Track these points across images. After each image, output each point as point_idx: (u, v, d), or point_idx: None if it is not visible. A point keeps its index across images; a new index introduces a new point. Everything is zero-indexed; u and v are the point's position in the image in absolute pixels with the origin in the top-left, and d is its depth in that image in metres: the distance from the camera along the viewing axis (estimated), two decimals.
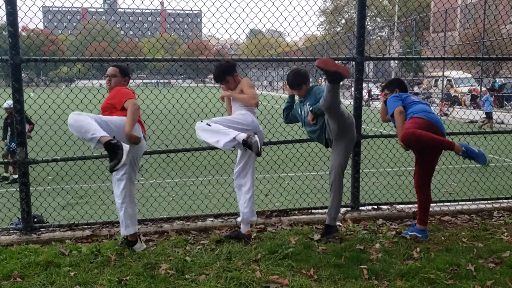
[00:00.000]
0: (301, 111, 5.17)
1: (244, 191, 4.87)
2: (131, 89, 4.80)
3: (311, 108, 4.92)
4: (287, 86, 5.35)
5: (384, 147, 6.94)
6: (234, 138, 4.44)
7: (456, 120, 17.64)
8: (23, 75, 5.25)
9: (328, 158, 7.21)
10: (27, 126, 7.92)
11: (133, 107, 4.31)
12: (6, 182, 9.33)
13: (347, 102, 4.97)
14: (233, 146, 4.55)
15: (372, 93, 28.35)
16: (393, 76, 29.96)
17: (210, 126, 4.52)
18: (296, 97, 5.32)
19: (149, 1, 6.53)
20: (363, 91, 6.10)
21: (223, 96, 5.03)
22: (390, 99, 5.05)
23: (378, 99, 27.38)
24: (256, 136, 4.50)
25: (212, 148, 5.82)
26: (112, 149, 4.02)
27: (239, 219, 4.98)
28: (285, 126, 6.45)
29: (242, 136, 4.44)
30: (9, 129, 9.79)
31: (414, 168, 5.03)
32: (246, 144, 4.43)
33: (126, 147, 4.07)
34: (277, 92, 35.88)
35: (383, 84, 5.47)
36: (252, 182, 4.89)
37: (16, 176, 8.92)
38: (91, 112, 5.60)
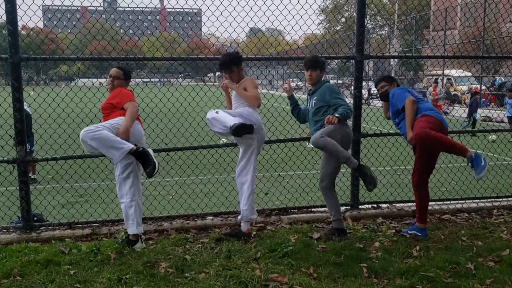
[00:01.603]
0: (307, 104, 5.13)
1: (245, 189, 4.87)
2: (130, 89, 4.87)
3: (338, 115, 4.66)
4: (286, 87, 5.34)
5: (383, 146, 6.94)
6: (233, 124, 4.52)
7: (456, 119, 17.63)
8: (22, 74, 5.24)
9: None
10: None
11: (133, 108, 4.48)
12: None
13: (346, 100, 4.96)
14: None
15: (372, 91, 28.33)
16: (393, 75, 29.95)
17: (218, 113, 4.62)
18: (297, 96, 5.30)
19: None
20: (363, 90, 6.10)
21: (227, 87, 5.00)
22: (398, 91, 4.97)
23: (378, 97, 27.31)
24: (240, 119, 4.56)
25: (212, 146, 5.84)
26: (141, 157, 4.38)
27: (239, 217, 4.99)
28: (284, 125, 6.45)
29: (235, 120, 4.53)
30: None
31: (413, 167, 5.02)
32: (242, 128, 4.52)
33: (150, 151, 4.42)
34: (276, 91, 35.87)
35: (377, 78, 5.38)
36: (253, 180, 4.89)
37: (33, 176, 8.87)
38: (90, 111, 5.64)
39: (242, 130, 4.51)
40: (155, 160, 4.40)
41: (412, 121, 4.75)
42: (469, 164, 4.51)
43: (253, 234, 5.01)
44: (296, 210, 5.89)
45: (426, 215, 5.01)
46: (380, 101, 5.44)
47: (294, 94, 5.40)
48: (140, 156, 4.40)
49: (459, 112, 19.37)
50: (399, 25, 35.32)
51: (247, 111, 4.78)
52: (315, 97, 4.97)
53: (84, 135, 4.27)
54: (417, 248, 4.56)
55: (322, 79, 5.16)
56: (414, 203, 5.58)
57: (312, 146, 4.83)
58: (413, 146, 4.97)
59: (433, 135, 4.48)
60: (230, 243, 4.73)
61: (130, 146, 4.35)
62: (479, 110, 18.98)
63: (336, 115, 4.63)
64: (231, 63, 4.89)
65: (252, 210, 4.93)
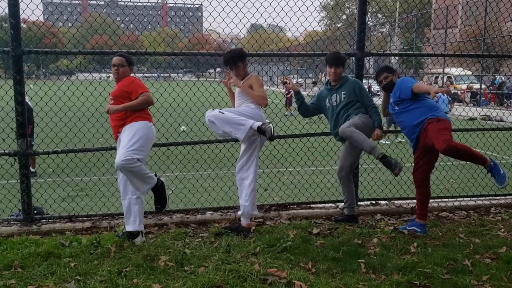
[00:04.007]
0: (330, 100, 5.17)
1: (246, 185, 4.90)
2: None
3: (378, 125, 5.03)
4: (287, 85, 5.37)
5: (383, 143, 6.97)
6: (251, 127, 4.61)
7: (455, 117, 17.63)
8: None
9: (328, 153, 7.25)
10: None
11: (147, 99, 4.57)
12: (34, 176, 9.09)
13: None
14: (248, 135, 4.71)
15: (372, 89, 28.32)
16: None
17: (223, 114, 4.66)
18: (303, 92, 5.34)
19: None
20: None
21: (231, 84, 5.01)
22: (406, 78, 5.07)
23: (378, 95, 27.36)
24: (270, 124, 4.67)
25: (212, 141, 5.86)
26: (159, 192, 4.68)
27: (239, 212, 5.01)
28: (285, 121, 6.48)
29: (257, 124, 4.63)
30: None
31: (414, 164, 5.04)
32: (260, 131, 4.62)
33: (164, 180, 4.70)
34: (277, 87, 35.86)
35: (378, 69, 5.34)
36: (255, 176, 4.92)
37: (33, 169, 8.87)
38: (91, 105, 5.66)
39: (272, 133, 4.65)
40: (167, 195, 4.73)
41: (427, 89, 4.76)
42: (489, 173, 4.70)
43: (253, 229, 5.04)
44: (295, 206, 5.92)
45: (426, 212, 5.06)
46: (381, 99, 5.43)
47: (300, 91, 5.45)
48: (158, 191, 4.68)
49: (459, 110, 19.33)
50: (400, 23, 35.26)
51: (251, 109, 4.81)
52: (344, 92, 5.07)
53: (122, 164, 4.37)
54: (415, 244, 4.59)
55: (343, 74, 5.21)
56: (413, 200, 5.62)
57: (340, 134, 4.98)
58: (413, 144, 5.00)
59: (458, 147, 4.59)
60: (229, 237, 4.76)
61: (155, 180, 4.61)
62: (478, 109, 18.98)
63: (378, 127, 5.03)
64: (237, 58, 4.91)
65: (253, 206, 4.96)
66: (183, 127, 11.62)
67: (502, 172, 4.62)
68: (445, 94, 15.08)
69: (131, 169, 4.39)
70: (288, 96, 21.53)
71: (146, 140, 4.56)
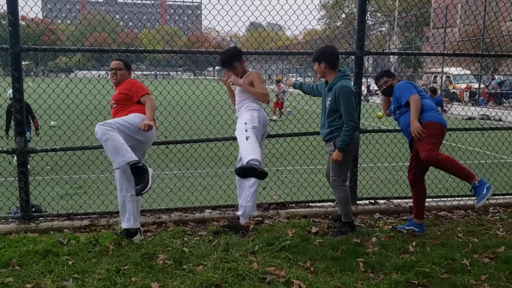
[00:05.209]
0: (323, 98, 4.94)
1: (248, 185, 4.86)
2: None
3: (340, 148, 4.66)
4: (287, 82, 5.36)
5: (382, 142, 6.96)
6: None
7: (454, 117, 17.62)
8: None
9: (327, 152, 7.26)
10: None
11: (151, 101, 4.52)
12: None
13: (353, 109, 4.89)
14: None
15: (371, 88, 28.32)
16: (392, 72, 29.92)
17: (247, 139, 4.60)
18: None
19: None
20: (362, 86, 6.10)
21: (234, 83, 4.95)
22: (404, 85, 4.84)
23: (377, 94, 27.37)
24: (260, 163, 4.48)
25: (211, 140, 5.86)
26: (138, 172, 4.26)
27: (239, 212, 4.98)
28: (284, 119, 6.47)
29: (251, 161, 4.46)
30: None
31: (409, 164, 5.04)
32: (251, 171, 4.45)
33: (150, 171, 4.31)
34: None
35: (377, 74, 5.26)
36: None
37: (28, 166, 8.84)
38: (90, 102, 5.63)
39: (250, 173, 4.47)
40: (150, 180, 4.27)
41: (418, 115, 4.68)
42: (472, 190, 4.60)
43: (251, 227, 5.04)
44: (294, 205, 5.92)
45: (423, 211, 5.06)
46: (380, 97, 5.43)
47: (294, 81, 5.43)
48: (137, 171, 4.27)
49: (458, 110, 19.37)
50: (399, 22, 35.25)
51: (252, 116, 4.75)
52: (330, 98, 4.75)
53: (99, 127, 4.19)
54: (414, 243, 4.59)
55: (338, 69, 4.81)
56: (411, 199, 5.63)
57: None
58: (409, 144, 5.00)
59: (439, 159, 4.51)
60: (228, 236, 4.76)
61: (134, 158, 4.23)
62: (477, 109, 18.96)
63: (339, 149, 4.66)
64: (232, 59, 4.87)
65: (254, 207, 4.95)
66: (52, 121, 11.51)
67: (484, 192, 4.49)
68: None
69: (106, 132, 4.15)
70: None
71: (136, 118, 4.41)
